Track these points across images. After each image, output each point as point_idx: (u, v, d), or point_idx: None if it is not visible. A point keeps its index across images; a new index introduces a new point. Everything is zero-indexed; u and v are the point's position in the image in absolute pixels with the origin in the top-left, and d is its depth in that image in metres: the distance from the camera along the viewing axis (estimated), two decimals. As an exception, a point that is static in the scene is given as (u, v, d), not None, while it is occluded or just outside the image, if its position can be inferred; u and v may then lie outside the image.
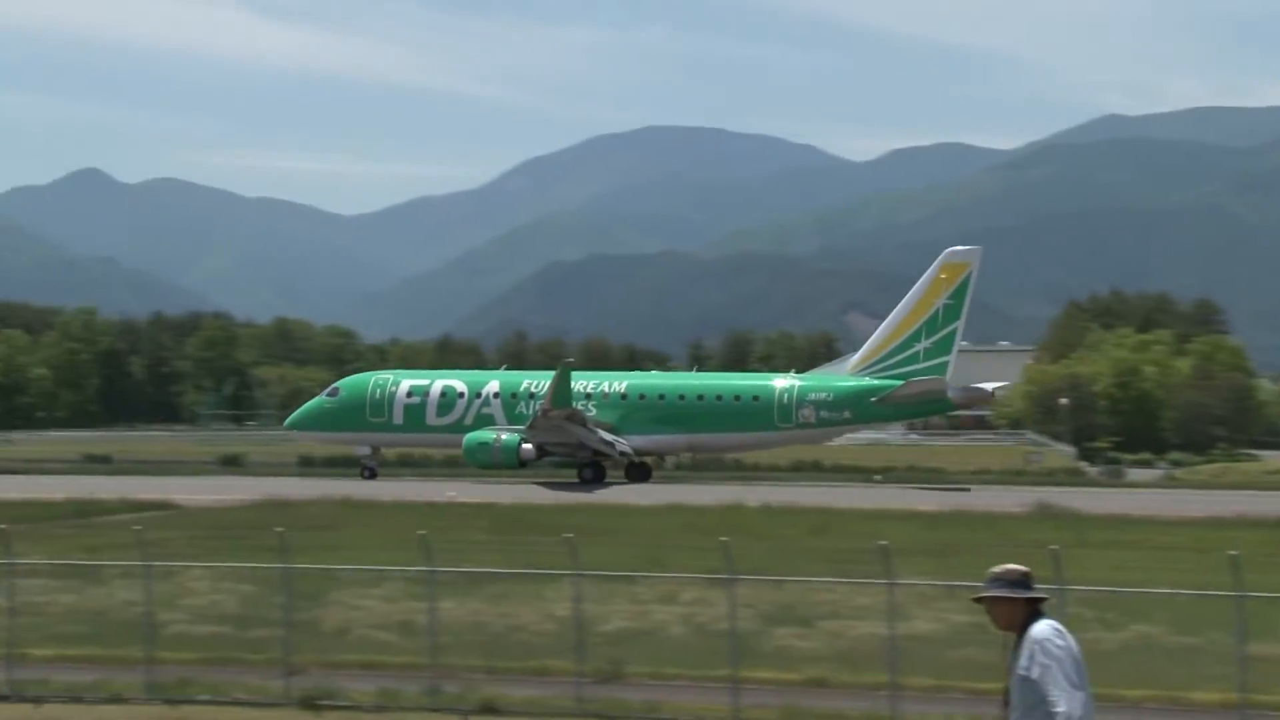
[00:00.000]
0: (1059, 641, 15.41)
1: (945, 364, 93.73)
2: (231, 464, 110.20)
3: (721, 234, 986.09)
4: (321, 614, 36.15)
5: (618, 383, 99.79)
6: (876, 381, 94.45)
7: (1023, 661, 15.37)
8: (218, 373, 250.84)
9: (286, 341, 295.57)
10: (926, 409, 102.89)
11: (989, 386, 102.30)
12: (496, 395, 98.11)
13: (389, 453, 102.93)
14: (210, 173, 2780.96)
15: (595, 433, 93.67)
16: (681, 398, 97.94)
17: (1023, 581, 15.70)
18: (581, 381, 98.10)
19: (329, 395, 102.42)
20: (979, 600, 15.83)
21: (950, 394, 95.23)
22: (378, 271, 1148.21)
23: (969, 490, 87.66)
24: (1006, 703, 15.55)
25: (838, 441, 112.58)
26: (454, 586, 36.02)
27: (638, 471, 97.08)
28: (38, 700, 31.51)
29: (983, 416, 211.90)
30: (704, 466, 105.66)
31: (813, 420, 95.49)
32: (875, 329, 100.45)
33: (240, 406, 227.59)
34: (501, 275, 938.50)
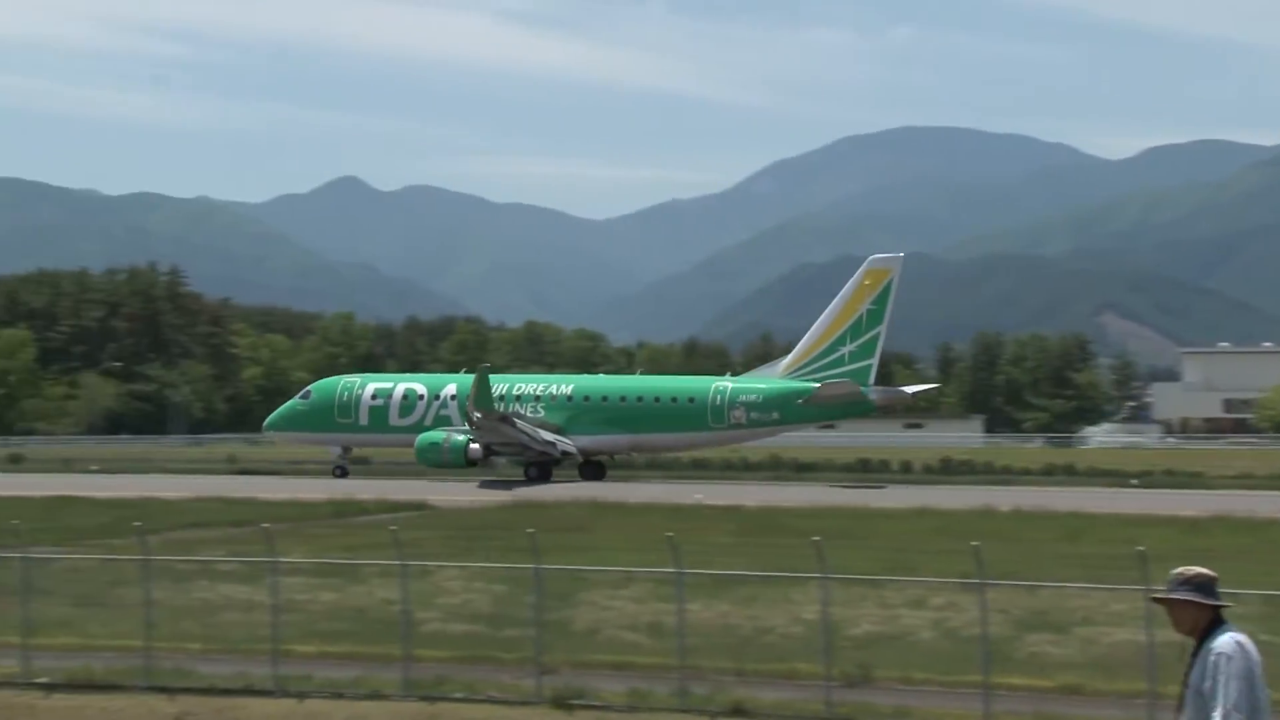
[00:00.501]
0: (1241, 656, 14.68)
1: (869, 367, 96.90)
2: (486, 465, 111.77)
3: (972, 235, 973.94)
4: (572, 614, 36.54)
5: (565, 385, 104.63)
6: (803, 384, 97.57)
7: (1199, 673, 14.76)
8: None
9: (536, 345, 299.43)
10: (848, 411, 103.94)
11: (909, 390, 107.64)
12: (454, 397, 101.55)
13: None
14: (462, 180, 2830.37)
15: (534, 434, 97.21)
16: (623, 399, 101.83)
17: (1208, 586, 15.10)
18: (531, 385, 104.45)
19: (302, 398, 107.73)
20: (1160, 601, 15.29)
21: (873, 396, 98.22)
22: (626, 275, 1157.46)
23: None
24: (1180, 709, 14.95)
25: (1092, 444, 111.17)
26: (702, 588, 36.14)
27: (591, 470, 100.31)
28: (301, 696, 32.36)
29: (1244, 420, 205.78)
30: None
31: (743, 421, 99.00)
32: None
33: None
34: (748, 278, 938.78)
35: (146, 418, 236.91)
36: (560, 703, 31.41)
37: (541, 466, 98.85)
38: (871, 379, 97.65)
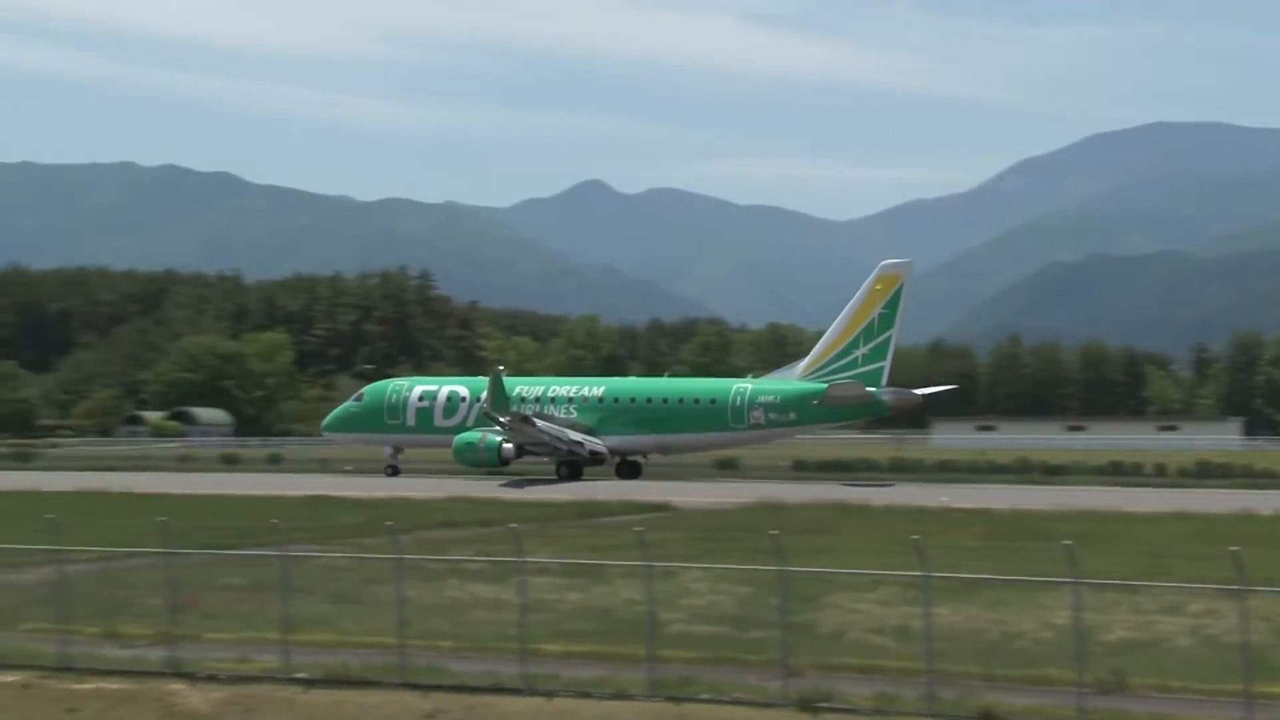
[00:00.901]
0: None
1: (881, 369, 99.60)
2: (727, 467, 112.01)
3: (1227, 232, 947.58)
4: (817, 617, 36.36)
5: (596, 388, 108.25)
6: (818, 385, 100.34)
7: None
8: (712, 377, 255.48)
9: (779, 347, 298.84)
10: (861, 411, 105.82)
11: (920, 392, 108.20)
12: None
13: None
14: (705, 182, 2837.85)
15: (560, 434, 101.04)
16: (649, 401, 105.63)
17: None
18: (565, 387, 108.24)
19: (355, 400, 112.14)
20: None
21: (885, 397, 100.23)
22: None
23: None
24: None
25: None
26: (949, 592, 35.70)
27: (627, 469, 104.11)
28: (549, 694, 32.71)
29: None
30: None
31: (762, 421, 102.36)
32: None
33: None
34: (995, 278, 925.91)
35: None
36: (806, 705, 31.27)
37: (571, 465, 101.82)
38: (884, 381, 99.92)
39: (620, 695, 32.49)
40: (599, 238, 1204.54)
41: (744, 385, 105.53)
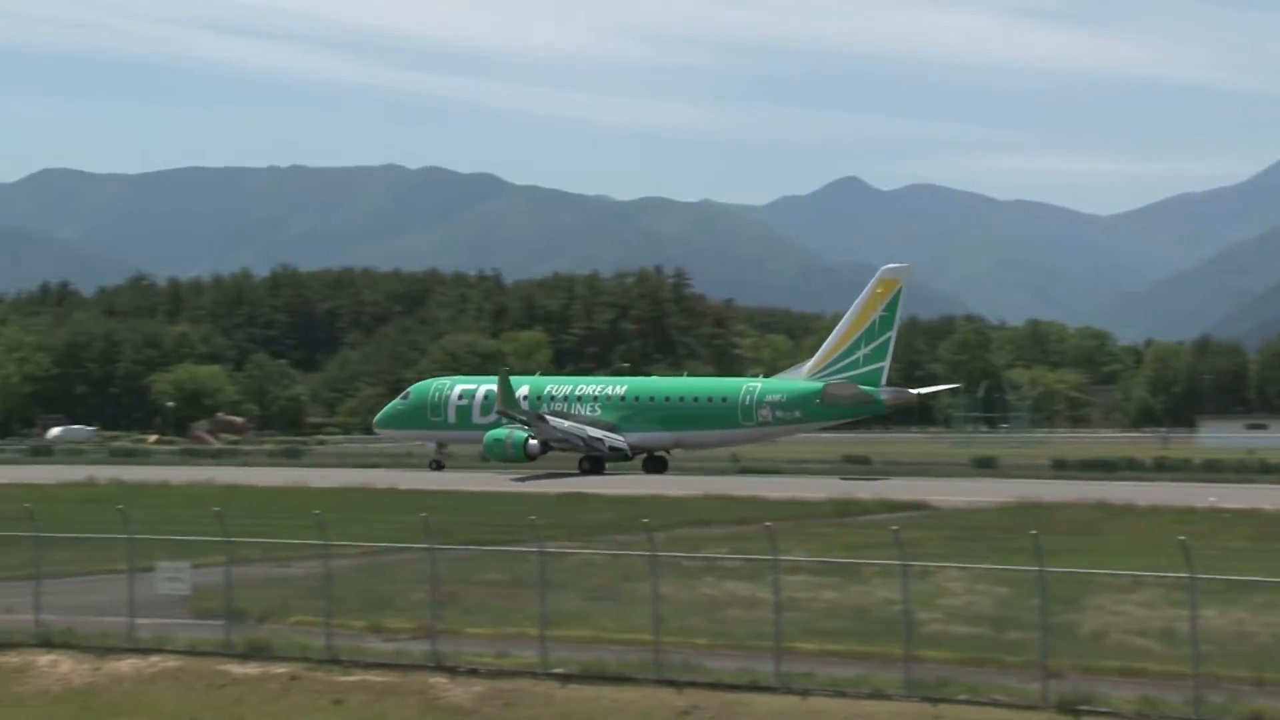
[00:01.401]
0: None
1: (880, 370, 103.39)
2: (984, 466, 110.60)
3: None
4: (1078, 618, 35.65)
5: (619, 386, 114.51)
6: (820, 385, 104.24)
7: None
8: (971, 375, 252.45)
9: (1039, 344, 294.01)
10: (860, 410, 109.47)
11: (915, 391, 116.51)
12: (525, 397, 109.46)
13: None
14: (964, 177, 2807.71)
15: (578, 430, 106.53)
16: (667, 399, 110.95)
17: None
18: (591, 386, 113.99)
19: (402, 398, 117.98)
20: None
21: (883, 396, 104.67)
22: (1133, 272, 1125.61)
23: None
24: None
25: None
26: (1215, 594, 34.68)
27: (654, 464, 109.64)
28: (803, 693, 32.60)
29: None
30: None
31: (770, 419, 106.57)
32: None
33: (993, 409, 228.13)
34: (1265, 273, 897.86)
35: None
36: (1067, 708, 30.69)
37: (593, 460, 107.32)
38: (883, 380, 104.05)
39: (876, 695, 32.25)
40: (855, 235, 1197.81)
41: (753, 385, 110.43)
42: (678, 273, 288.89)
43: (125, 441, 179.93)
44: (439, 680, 34.45)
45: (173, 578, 37.80)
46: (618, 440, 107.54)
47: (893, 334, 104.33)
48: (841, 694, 32.44)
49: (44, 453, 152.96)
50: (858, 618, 37.08)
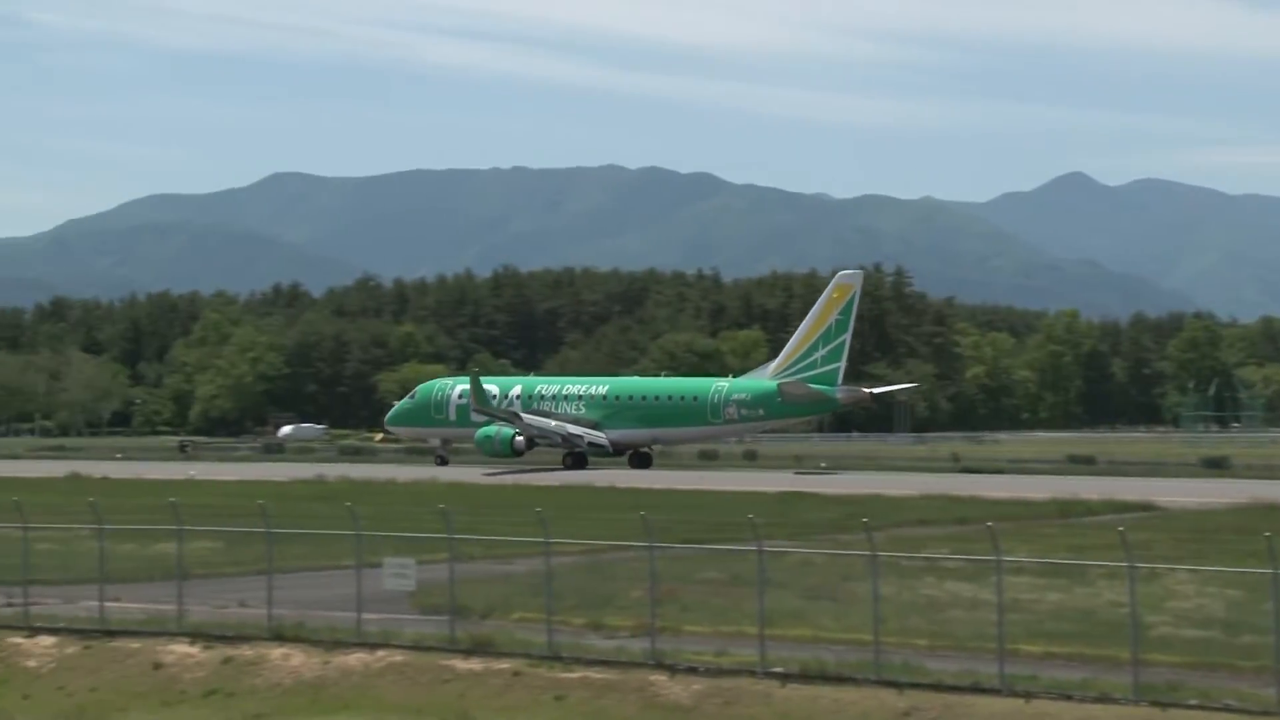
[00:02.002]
0: None
1: (837, 370, 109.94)
2: (1215, 466, 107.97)
3: None
4: (1315, 624, 34.56)
5: (601, 386, 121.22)
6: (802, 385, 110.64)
7: None
8: (1200, 374, 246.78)
9: (1272, 341, 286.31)
10: (817, 407, 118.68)
11: (867, 390, 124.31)
12: (518, 396, 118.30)
13: None
14: (1195, 172, 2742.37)
15: (558, 427, 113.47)
16: (644, 398, 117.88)
17: None
18: (576, 386, 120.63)
19: (409, 398, 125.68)
20: None
21: (839, 395, 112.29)
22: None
23: None
24: None
25: None
26: None
27: (639, 460, 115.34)
28: (1027, 696, 32.11)
29: None
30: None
31: (735, 417, 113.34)
32: None
33: (1223, 408, 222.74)
34: None
35: (873, 416, 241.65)
36: (1303, 716, 29.78)
37: (575, 456, 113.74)
38: (840, 380, 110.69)
39: (1103, 699, 31.63)
40: (1080, 231, 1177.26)
41: (722, 384, 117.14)
42: (898, 270, 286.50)
43: (353, 439, 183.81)
44: (658, 678, 34.58)
45: (399, 574, 38.47)
46: (598, 436, 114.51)
47: (848, 336, 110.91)
48: (1067, 697, 31.88)
49: (276, 450, 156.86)
50: (1083, 620, 36.41)
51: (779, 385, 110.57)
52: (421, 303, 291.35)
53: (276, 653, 37.55)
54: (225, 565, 47.57)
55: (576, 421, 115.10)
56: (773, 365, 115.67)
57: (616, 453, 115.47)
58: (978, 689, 32.57)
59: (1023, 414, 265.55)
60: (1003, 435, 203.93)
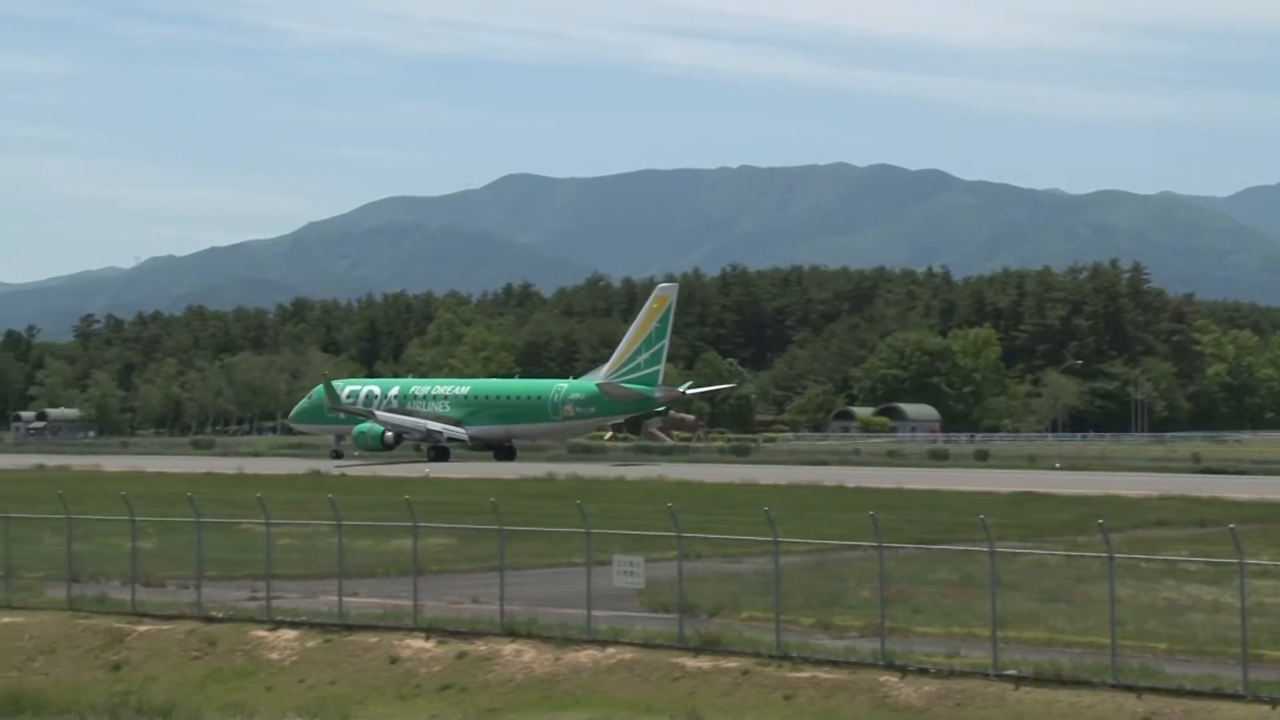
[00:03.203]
0: None
1: (657, 372, 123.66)
2: None
3: None
4: None
5: (463, 387, 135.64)
6: (621, 385, 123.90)
7: None
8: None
9: None
10: (637, 406, 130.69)
11: (680, 390, 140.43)
12: (395, 396, 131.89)
13: None
14: None
15: (417, 424, 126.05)
16: (498, 398, 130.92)
17: None
18: (443, 387, 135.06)
19: (308, 399, 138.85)
20: None
21: (657, 394, 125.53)
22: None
23: None
24: None
25: None
26: None
27: (503, 453, 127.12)
28: (1273, 702, 31.17)
29: None
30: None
31: (572, 414, 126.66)
32: None
33: None
34: None
35: (1109, 415, 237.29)
36: None
37: (436, 449, 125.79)
38: (660, 380, 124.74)
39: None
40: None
41: (561, 385, 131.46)
42: (1135, 266, 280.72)
43: (582, 438, 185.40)
44: (888, 678, 34.26)
45: (627, 571, 38.67)
46: (458, 432, 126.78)
47: (665, 342, 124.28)
48: (1314, 705, 30.85)
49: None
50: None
51: (598, 386, 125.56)
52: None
53: (509, 648, 37.98)
54: (458, 562, 48.35)
55: (440, 419, 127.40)
56: (604, 369, 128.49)
57: (475, 447, 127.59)
58: (1220, 694, 31.69)
59: (1267, 413, 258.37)
60: (1246, 435, 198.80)
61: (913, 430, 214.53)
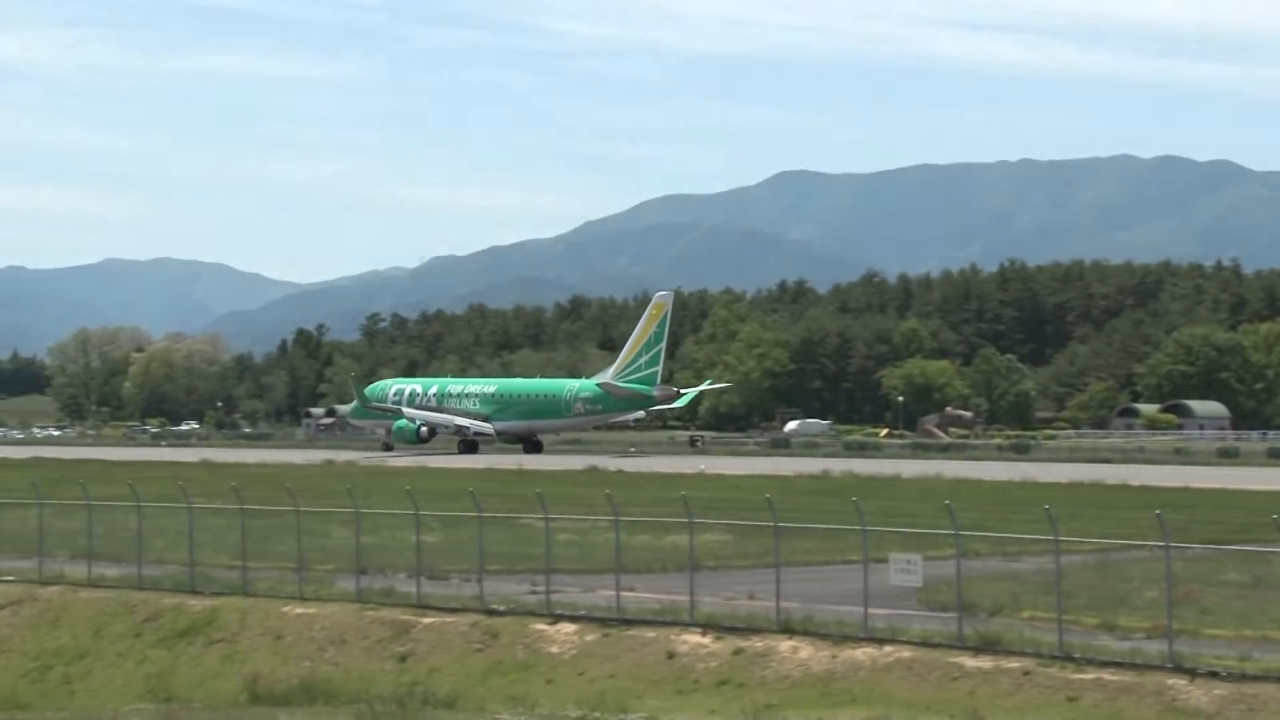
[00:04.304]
0: None
1: (655, 373, 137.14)
2: None
3: None
4: None
5: (490, 386, 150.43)
6: (622, 384, 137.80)
7: None
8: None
9: None
10: (637, 404, 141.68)
11: (675, 389, 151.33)
12: (434, 394, 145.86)
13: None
14: None
15: (447, 421, 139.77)
16: (518, 396, 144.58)
17: None
18: (473, 386, 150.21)
19: (360, 400, 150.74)
20: None
21: (655, 393, 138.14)
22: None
23: None
24: None
25: None
26: None
27: (531, 446, 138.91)
28: None
29: None
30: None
31: (582, 411, 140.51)
32: None
33: None
34: None
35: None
36: None
37: (467, 443, 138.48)
38: (658, 380, 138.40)
39: None
40: None
41: (574, 385, 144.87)
42: None
43: (858, 435, 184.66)
44: (1177, 681, 33.34)
45: (905, 569, 38.33)
46: (484, 427, 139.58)
47: (662, 345, 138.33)
48: None
49: (782, 445, 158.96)
50: None
51: (600, 385, 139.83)
52: (926, 298, 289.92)
53: (785, 645, 37.92)
54: (734, 558, 48.45)
55: (469, 415, 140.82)
56: (611, 370, 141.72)
57: (505, 440, 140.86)
58: None
59: None
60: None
61: (1200, 428, 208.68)
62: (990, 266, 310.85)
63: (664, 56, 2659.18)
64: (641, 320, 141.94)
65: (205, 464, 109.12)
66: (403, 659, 41.79)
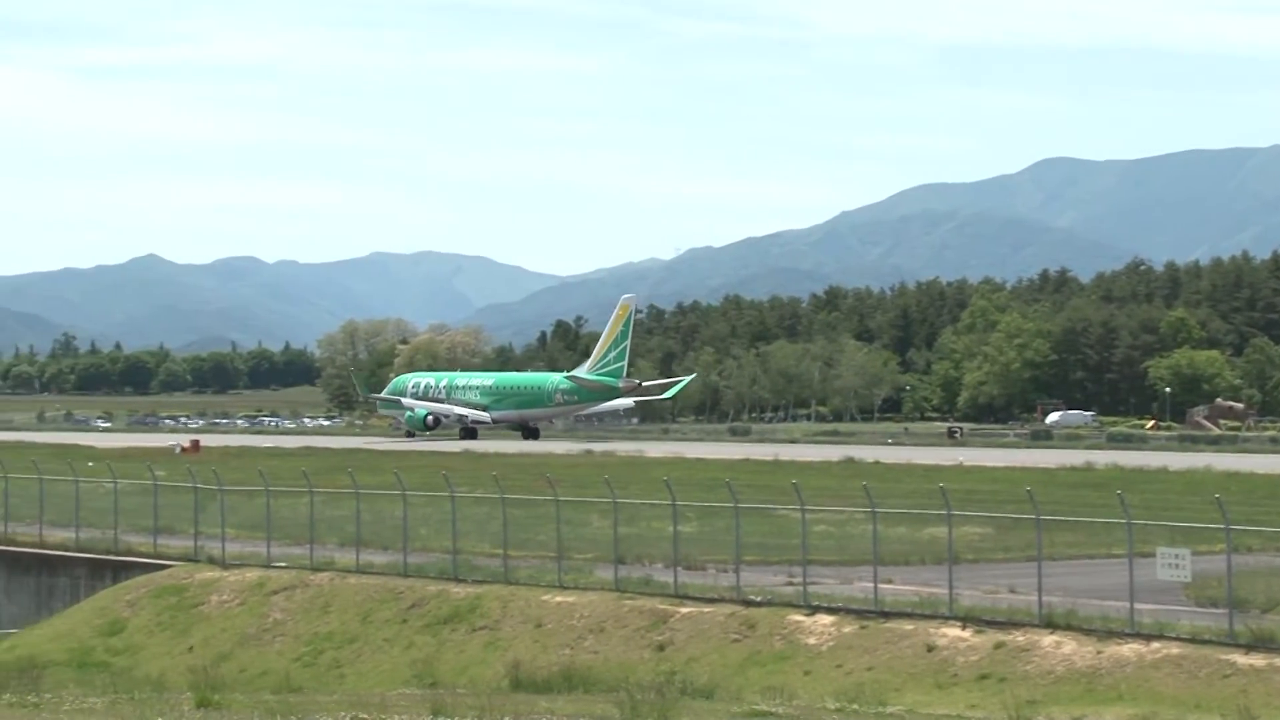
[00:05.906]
0: None
1: (621, 368, 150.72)
2: None
3: None
4: None
5: (488, 379, 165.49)
6: (591, 377, 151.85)
7: None
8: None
9: None
10: (605, 395, 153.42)
11: (637, 381, 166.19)
12: (444, 386, 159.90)
13: None
14: None
15: (448, 410, 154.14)
16: (511, 388, 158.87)
17: None
18: (475, 379, 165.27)
19: (388, 390, 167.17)
20: None
21: (620, 385, 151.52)
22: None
23: None
24: None
25: None
26: None
27: (529, 433, 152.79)
28: None
29: None
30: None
31: (562, 401, 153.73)
32: None
33: None
34: None
35: None
36: None
37: (467, 430, 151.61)
38: (624, 373, 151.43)
39: None
40: None
41: (554, 378, 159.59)
42: None
43: (1122, 427, 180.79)
44: None
45: (1173, 564, 37.38)
46: (482, 416, 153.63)
47: (628, 343, 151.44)
48: None
49: (1043, 437, 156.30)
50: None
51: (567, 377, 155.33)
52: (1195, 286, 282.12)
53: (1048, 640, 37.27)
54: (994, 551, 47.74)
55: (469, 405, 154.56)
56: (587, 365, 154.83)
57: (508, 427, 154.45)
58: None
59: None
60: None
61: None
62: (1263, 254, 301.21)
63: (917, 45, 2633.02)
64: (610, 321, 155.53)
65: (467, 453, 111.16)
66: (661, 648, 42.03)
